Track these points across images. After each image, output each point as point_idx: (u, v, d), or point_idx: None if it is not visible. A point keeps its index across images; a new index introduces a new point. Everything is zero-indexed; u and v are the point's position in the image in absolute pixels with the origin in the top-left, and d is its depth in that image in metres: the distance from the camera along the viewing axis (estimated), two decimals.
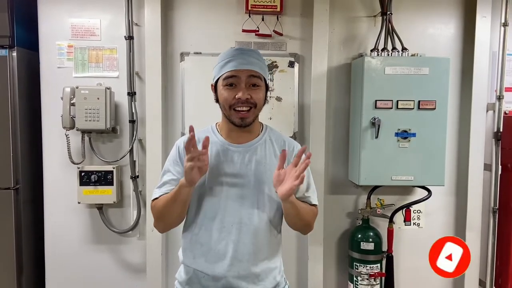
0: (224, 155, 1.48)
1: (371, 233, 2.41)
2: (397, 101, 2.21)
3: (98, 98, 2.28)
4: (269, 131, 1.57)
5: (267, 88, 1.50)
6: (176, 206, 1.41)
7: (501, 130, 2.48)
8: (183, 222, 1.53)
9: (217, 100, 1.50)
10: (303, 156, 1.34)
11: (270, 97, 2.45)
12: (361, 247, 2.38)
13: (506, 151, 2.47)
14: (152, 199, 1.50)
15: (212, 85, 1.53)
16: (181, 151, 1.50)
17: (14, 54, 2.34)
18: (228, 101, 1.42)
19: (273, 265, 1.53)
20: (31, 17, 2.41)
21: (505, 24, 2.45)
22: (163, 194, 1.47)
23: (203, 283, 1.47)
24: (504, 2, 2.44)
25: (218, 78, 1.46)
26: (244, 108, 1.41)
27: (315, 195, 1.57)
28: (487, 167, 2.51)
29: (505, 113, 2.50)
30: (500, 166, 2.48)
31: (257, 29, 2.41)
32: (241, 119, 1.42)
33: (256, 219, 1.46)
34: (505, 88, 2.48)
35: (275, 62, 2.46)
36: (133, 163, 2.42)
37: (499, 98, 2.48)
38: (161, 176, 1.52)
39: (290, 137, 2.34)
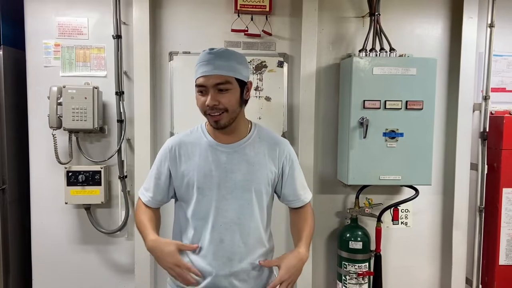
0: (213, 156, 1.48)
1: (360, 232, 2.42)
2: (385, 101, 2.22)
3: (85, 98, 2.26)
4: (258, 130, 1.57)
5: (245, 83, 1.46)
6: None
7: (487, 130, 2.50)
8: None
9: None
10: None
11: (259, 97, 2.46)
12: (350, 246, 2.39)
13: (492, 150, 2.50)
14: (139, 195, 1.59)
15: None
16: (169, 152, 1.52)
17: (0, 52, 2.32)
18: (201, 107, 1.44)
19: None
20: (17, 15, 2.38)
21: (491, 25, 2.47)
22: (147, 200, 1.56)
23: (195, 283, 1.47)
24: (490, 4, 2.47)
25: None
26: (216, 113, 1.41)
27: (308, 189, 1.63)
28: (474, 167, 2.54)
29: (491, 113, 2.53)
30: (486, 166, 2.51)
31: (246, 29, 2.41)
32: (215, 122, 1.43)
33: (246, 218, 1.48)
34: (491, 88, 2.51)
35: (264, 62, 2.46)
36: (121, 163, 2.41)
37: (486, 98, 2.50)
38: (149, 175, 1.58)
39: None
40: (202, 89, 1.42)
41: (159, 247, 1.42)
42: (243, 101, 1.48)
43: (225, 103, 1.40)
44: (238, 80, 1.43)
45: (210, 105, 1.39)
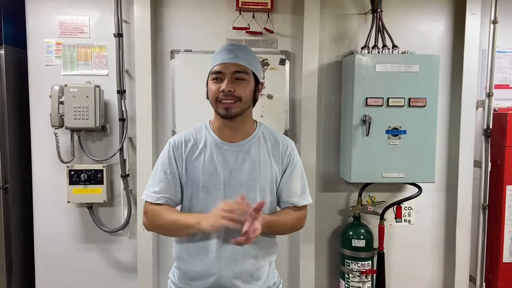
0: (218, 154, 1.48)
1: (362, 230, 2.41)
2: (388, 98, 2.21)
3: (87, 96, 2.26)
4: (263, 129, 1.57)
5: (258, 82, 1.50)
6: (184, 233, 1.46)
7: (490, 127, 2.48)
8: None
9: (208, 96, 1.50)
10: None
11: (261, 94, 2.44)
12: (353, 244, 2.38)
13: (495, 148, 2.49)
14: (145, 199, 1.48)
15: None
16: (175, 150, 1.50)
17: (2, 52, 2.32)
18: (214, 94, 1.43)
19: (268, 263, 1.54)
20: (18, 15, 2.38)
21: (494, 22, 2.45)
22: (159, 202, 1.46)
23: (197, 283, 1.47)
24: (493, 0, 2.45)
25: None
26: (229, 100, 1.42)
27: (306, 195, 1.57)
28: (477, 164, 2.52)
29: (494, 110, 2.51)
30: (489, 163, 2.49)
31: (248, 26, 2.40)
32: (225, 109, 1.43)
33: None
34: (494, 85, 2.48)
35: (266, 59, 2.45)
36: (123, 161, 2.41)
37: (489, 95, 2.48)
38: (153, 174, 1.51)
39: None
40: (218, 75, 1.43)
41: (207, 216, 1.37)
42: (254, 99, 1.51)
43: (240, 92, 1.42)
44: (254, 75, 1.47)
45: (226, 90, 1.40)
